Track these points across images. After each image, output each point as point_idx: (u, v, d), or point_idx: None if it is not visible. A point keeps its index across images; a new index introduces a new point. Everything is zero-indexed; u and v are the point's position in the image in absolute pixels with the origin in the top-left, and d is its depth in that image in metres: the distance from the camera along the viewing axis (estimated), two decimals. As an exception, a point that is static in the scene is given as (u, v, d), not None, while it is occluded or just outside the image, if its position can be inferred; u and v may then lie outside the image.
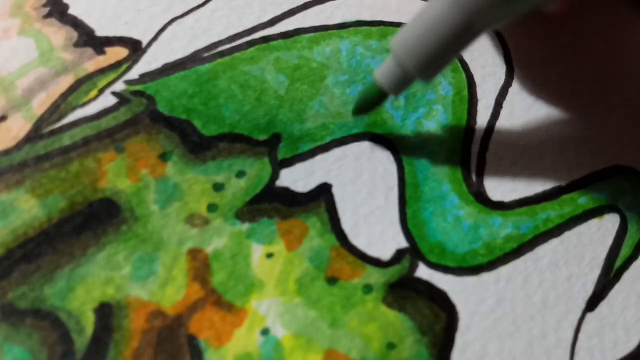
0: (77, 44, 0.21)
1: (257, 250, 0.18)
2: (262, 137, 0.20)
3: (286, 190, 0.19)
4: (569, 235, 0.20)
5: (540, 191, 0.20)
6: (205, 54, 0.21)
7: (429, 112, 0.21)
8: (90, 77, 0.20)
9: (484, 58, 0.23)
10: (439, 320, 0.18)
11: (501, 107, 0.22)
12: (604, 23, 0.24)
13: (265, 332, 0.17)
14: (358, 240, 0.19)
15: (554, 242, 0.20)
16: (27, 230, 0.18)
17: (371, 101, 0.19)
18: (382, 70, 0.19)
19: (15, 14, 0.21)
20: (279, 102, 0.21)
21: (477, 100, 0.22)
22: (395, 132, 0.21)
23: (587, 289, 0.19)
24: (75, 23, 0.21)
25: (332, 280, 0.18)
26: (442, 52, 0.17)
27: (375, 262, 0.19)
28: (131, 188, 0.19)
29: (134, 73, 0.21)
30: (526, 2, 0.17)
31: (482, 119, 0.21)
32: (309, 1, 0.23)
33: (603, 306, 0.19)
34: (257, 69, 0.21)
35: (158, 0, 0.22)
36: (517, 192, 0.20)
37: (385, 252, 0.19)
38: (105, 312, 0.17)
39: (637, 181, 0.21)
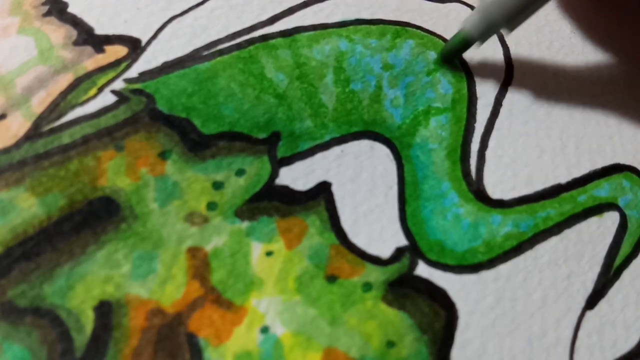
0: (76, 43, 0.21)
1: (257, 249, 0.18)
2: (262, 135, 0.20)
3: (286, 189, 0.19)
4: (568, 234, 0.20)
5: (540, 189, 0.20)
6: (205, 53, 0.21)
7: (429, 111, 0.21)
8: (89, 76, 0.20)
9: (483, 57, 0.23)
10: (438, 319, 0.18)
11: (501, 105, 0.22)
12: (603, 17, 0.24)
13: (264, 330, 0.17)
14: (358, 238, 0.19)
15: (553, 240, 0.20)
16: (27, 229, 0.18)
17: (457, 47, 0.21)
18: (469, 18, 0.20)
19: (14, 12, 0.21)
20: (279, 101, 0.21)
21: (476, 98, 0.22)
22: (394, 130, 0.21)
23: (587, 287, 0.19)
24: (75, 21, 0.21)
25: (331, 279, 0.18)
26: (527, 3, 0.19)
27: (375, 261, 0.19)
28: (131, 186, 0.19)
29: (133, 71, 0.21)
30: None
31: (481, 117, 0.21)
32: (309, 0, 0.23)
33: (603, 304, 0.19)
34: (256, 68, 0.21)
35: (157, -2, 0.22)
36: (517, 190, 0.20)
37: (384, 251, 0.19)
38: (105, 311, 0.17)
39: (637, 179, 0.21)
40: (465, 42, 0.21)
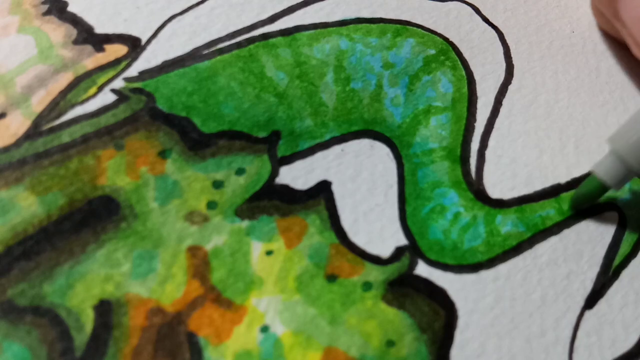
0: (76, 41, 0.21)
1: (257, 248, 0.18)
2: (262, 134, 0.20)
3: (286, 188, 0.19)
4: (567, 233, 0.20)
5: (540, 189, 0.20)
6: (205, 51, 0.21)
7: (429, 110, 0.21)
8: (89, 75, 0.20)
9: (483, 56, 0.23)
10: (438, 318, 0.18)
11: (501, 104, 0.22)
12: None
13: (264, 329, 0.17)
14: (357, 237, 0.19)
15: (553, 240, 0.20)
16: (27, 228, 0.18)
17: (591, 195, 0.20)
18: (602, 166, 0.19)
19: (14, 11, 0.21)
20: (279, 100, 0.21)
21: (476, 97, 0.22)
22: (394, 129, 0.21)
23: (586, 286, 0.19)
24: (75, 20, 0.21)
25: (331, 278, 0.18)
26: None
27: (375, 260, 0.19)
28: (130, 185, 0.19)
29: (133, 70, 0.21)
30: None
31: (481, 117, 0.21)
32: (309, -2, 0.23)
33: (602, 304, 0.19)
34: (256, 66, 0.21)
35: (157, -3, 0.22)
36: (517, 190, 0.20)
37: (384, 250, 0.19)
38: (105, 310, 0.17)
39: (636, 179, 0.21)
40: (600, 189, 0.19)
